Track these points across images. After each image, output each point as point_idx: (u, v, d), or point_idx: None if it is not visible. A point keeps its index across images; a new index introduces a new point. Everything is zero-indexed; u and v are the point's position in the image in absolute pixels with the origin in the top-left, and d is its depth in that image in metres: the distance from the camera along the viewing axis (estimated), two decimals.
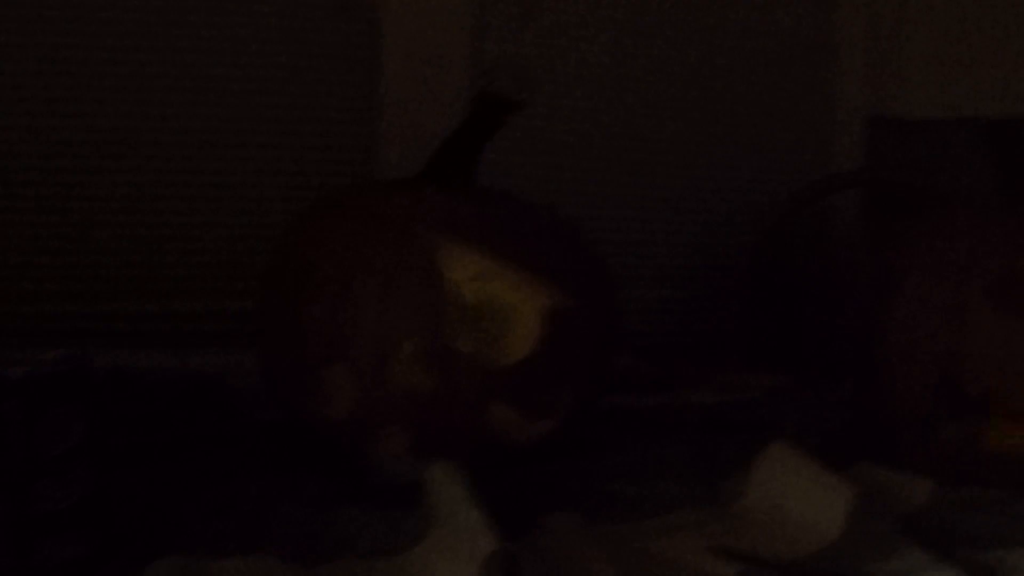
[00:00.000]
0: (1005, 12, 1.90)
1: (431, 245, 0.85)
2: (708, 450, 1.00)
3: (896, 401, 0.97)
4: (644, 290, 1.73)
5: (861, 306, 1.05)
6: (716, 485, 0.93)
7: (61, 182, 1.36)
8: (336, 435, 0.88)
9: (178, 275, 1.40)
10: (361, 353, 0.84)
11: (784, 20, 1.94)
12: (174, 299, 1.39)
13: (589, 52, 1.70)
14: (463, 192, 0.92)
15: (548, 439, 0.92)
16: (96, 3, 1.35)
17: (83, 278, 1.37)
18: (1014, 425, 0.90)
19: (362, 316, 0.84)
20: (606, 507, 0.87)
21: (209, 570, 0.71)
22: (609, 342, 0.95)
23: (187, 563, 0.70)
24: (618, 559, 0.77)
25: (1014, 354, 0.88)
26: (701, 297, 1.78)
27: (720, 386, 1.26)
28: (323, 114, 1.49)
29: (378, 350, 0.84)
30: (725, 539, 0.83)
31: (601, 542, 0.79)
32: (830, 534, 0.83)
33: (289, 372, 0.89)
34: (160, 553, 0.69)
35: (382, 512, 0.81)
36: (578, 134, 1.69)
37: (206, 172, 1.42)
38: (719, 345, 1.58)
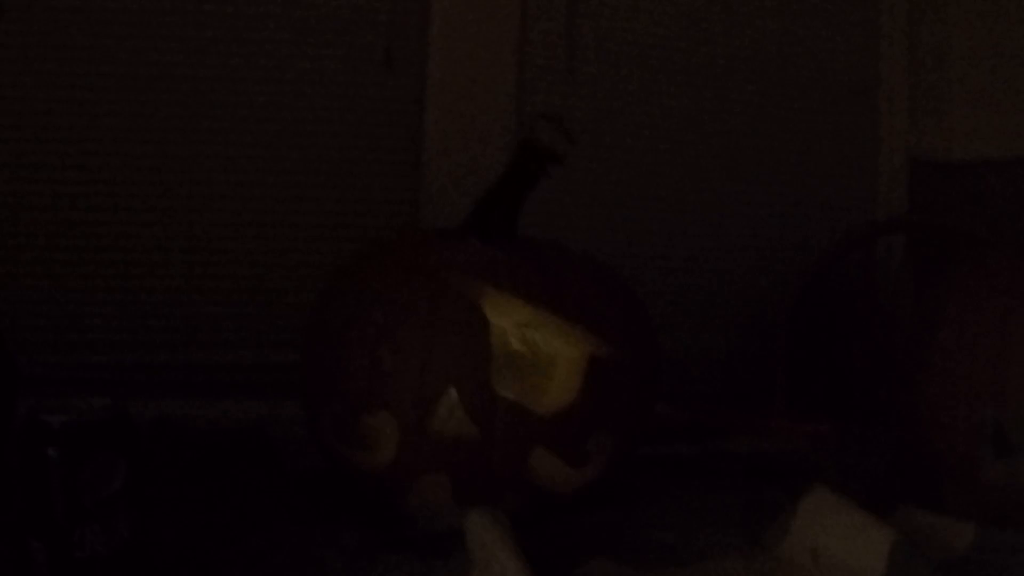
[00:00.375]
0: None
1: (475, 293, 0.87)
2: (749, 498, 1.00)
3: (939, 443, 0.97)
4: (687, 337, 1.73)
5: (905, 349, 1.05)
6: (757, 532, 0.93)
7: (110, 232, 1.39)
8: (377, 483, 0.90)
9: (223, 326, 1.42)
10: (404, 400, 0.85)
11: (828, 64, 1.94)
12: (218, 350, 1.42)
13: (633, 103, 1.71)
14: (505, 241, 0.93)
15: (589, 487, 0.92)
16: (164, 66, 1.39)
17: (128, 328, 1.40)
18: None
19: (406, 363, 0.85)
20: (645, 555, 0.87)
21: None
22: (650, 390, 0.96)
23: None
24: None
25: None
26: (745, 343, 1.77)
27: (762, 434, 1.26)
28: (369, 168, 1.51)
29: (421, 397, 0.85)
30: None
31: None
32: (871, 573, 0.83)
33: (332, 420, 0.90)
34: None
35: (421, 560, 0.82)
36: (622, 184, 1.71)
37: (254, 224, 1.44)
38: (762, 392, 1.57)
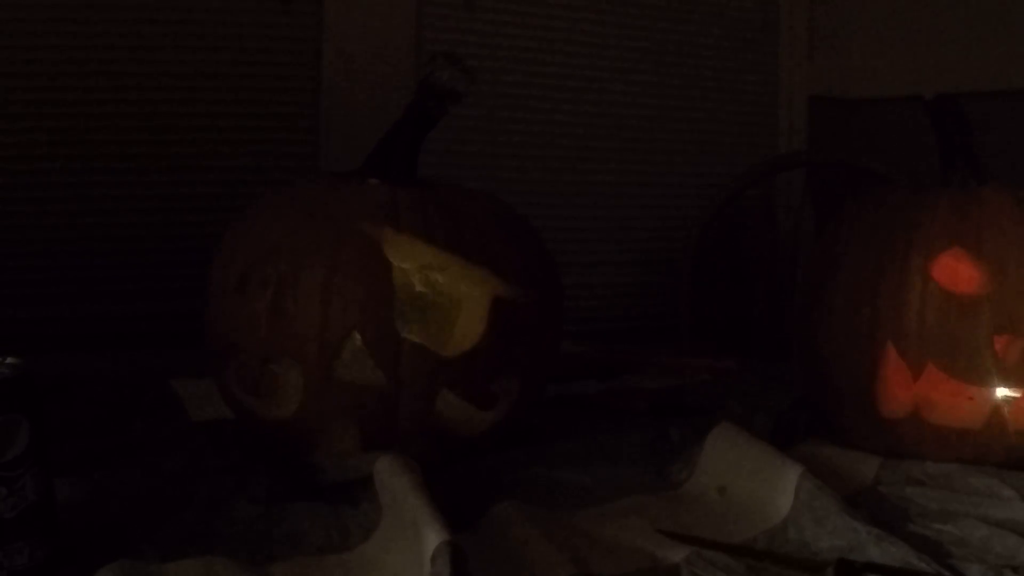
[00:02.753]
0: None
1: (376, 235, 0.85)
2: (656, 435, 1.01)
3: (840, 377, 0.99)
4: (591, 277, 1.75)
5: (805, 284, 1.06)
6: (664, 470, 0.94)
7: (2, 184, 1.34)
8: (285, 432, 0.88)
9: (121, 276, 1.39)
10: (308, 346, 0.84)
11: (729, 1, 1.95)
12: (117, 301, 1.38)
13: (532, 41, 1.70)
14: (406, 183, 0.92)
15: (497, 429, 0.92)
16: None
17: (20, 282, 1.35)
18: (955, 401, 0.92)
19: (308, 309, 0.83)
20: (556, 495, 0.87)
21: (161, 573, 0.70)
22: (556, 330, 0.96)
23: (137, 567, 0.70)
24: (566, 546, 0.78)
25: (949, 327, 0.90)
26: (649, 283, 1.79)
27: (667, 371, 1.27)
28: (268, 109, 1.48)
29: (325, 343, 0.83)
30: (674, 522, 0.84)
31: (551, 529, 0.80)
32: (778, 513, 0.84)
33: (236, 369, 0.88)
34: (109, 559, 0.69)
35: (332, 507, 0.80)
36: (522, 123, 1.70)
37: (151, 171, 1.40)
38: (668, 329, 1.59)
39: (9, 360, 0.68)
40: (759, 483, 0.88)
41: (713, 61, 1.93)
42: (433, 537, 0.70)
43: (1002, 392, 0.91)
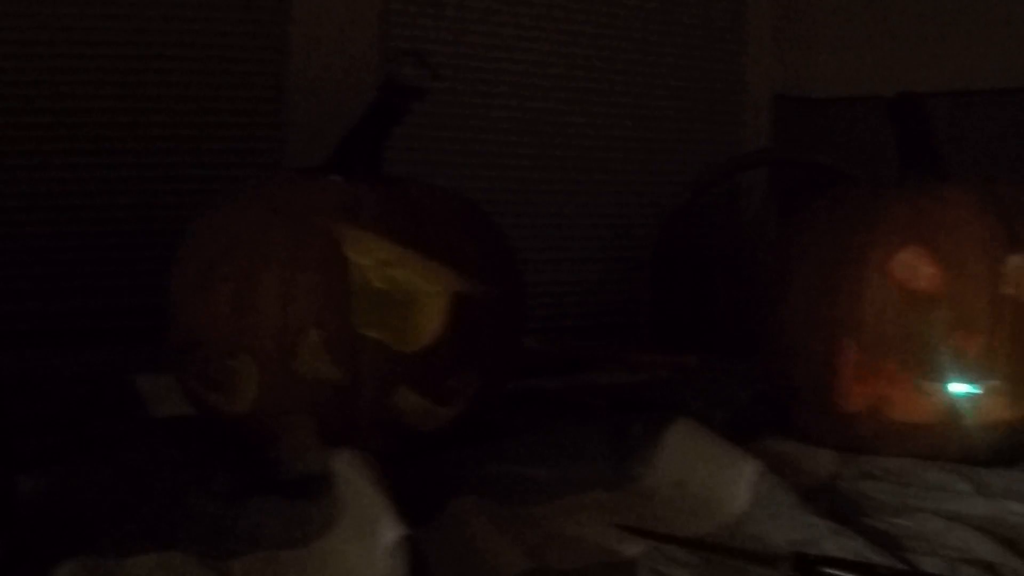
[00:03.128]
0: None
1: (336, 233, 0.85)
2: (616, 430, 1.01)
3: (799, 373, 1.00)
4: (554, 273, 1.75)
5: (766, 281, 1.07)
6: (623, 465, 0.94)
7: None
8: (244, 427, 0.88)
9: (81, 272, 1.38)
10: (266, 343, 0.83)
11: (693, 2, 1.96)
12: (76, 297, 1.37)
13: (498, 38, 1.70)
14: (368, 179, 0.92)
15: (456, 424, 0.92)
16: None
17: None
18: (912, 398, 0.93)
19: (267, 306, 0.83)
20: (515, 490, 0.87)
21: (120, 569, 0.70)
22: (516, 326, 0.96)
23: (96, 563, 0.70)
24: (524, 540, 0.78)
25: (907, 325, 0.91)
26: (613, 279, 1.80)
27: (629, 366, 1.28)
28: (233, 105, 1.48)
29: (283, 340, 0.83)
30: (632, 516, 0.85)
31: (508, 524, 0.80)
32: (735, 508, 0.85)
33: (196, 365, 0.88)
34: (69, 554, 0.69)
35: (291, 502, 0.81)
36: (487, 120, 1.70)
37: (110, 167, 1.40)
38: (629, 325, 1.59)
39: None
40: (717, 478, 0.88)
41: (679, 59, 1.94)
42: (391, 532, 0.70)
43: (961, 388, 0.93)
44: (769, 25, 2.07)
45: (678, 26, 1.93)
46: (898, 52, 1.95)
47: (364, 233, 0.85)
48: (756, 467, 0.86)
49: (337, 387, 0.84)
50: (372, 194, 0.89)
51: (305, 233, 0.85)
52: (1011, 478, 0.91)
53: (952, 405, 0.92)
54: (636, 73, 1.87)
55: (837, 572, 0.73)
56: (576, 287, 1.79)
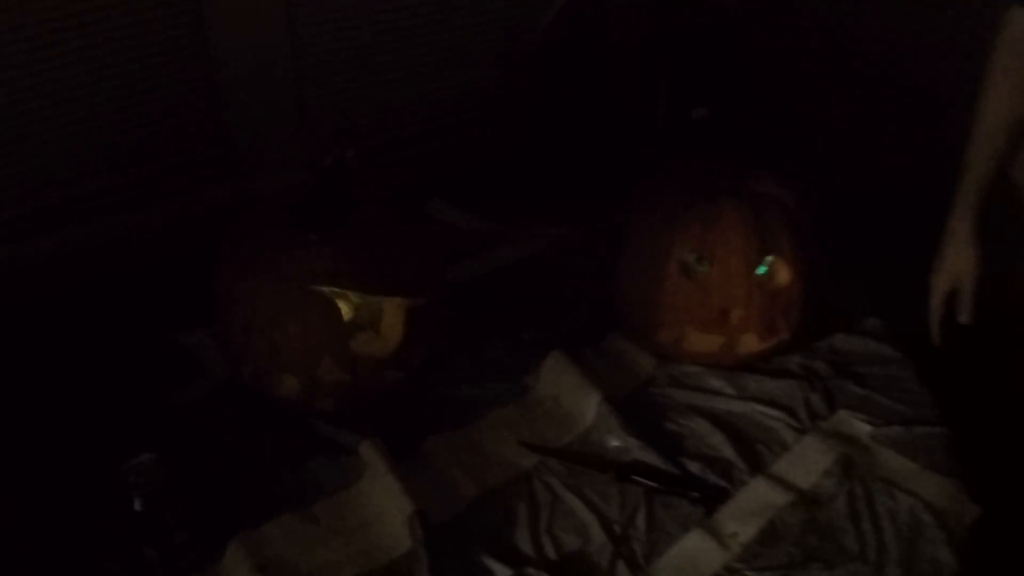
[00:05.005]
0: None
1: (328, 294, 1.32)
2: (512, 341, 1.56)
3: (630, 309, 1.53)
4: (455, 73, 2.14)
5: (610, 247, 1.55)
6: (521, 380, 1.50)
7: None
8: (291, 409, 1.42)
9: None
10: (297, 366, 1.35)
11: None
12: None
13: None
14: (336, 230, 1.36)
15: (416, 371, 1.46)
16: None
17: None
18: (702, 338, 1.47)
19: (294, 347, 1.33)
20: (459, 411, 1.44)
21: (263, 534, 1.24)
22: (444, 307, 1.47)
23: (246, 534, 1.23)
24: (466, 466, 1.36)
25: (692, 300, 1.43)
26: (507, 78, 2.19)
27: (516, 243, 1.78)
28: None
29: (307, 364, 1.35)
30: (527, 428, 1.41)
31: (460, 453, 1.37)
32: (586, 422, 1.42)
33: (251, 373, 1.38)
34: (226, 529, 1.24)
35: (334, 460, 1.36)
36: None
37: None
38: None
39: None
40: (576, 399, 1.45)
41: None
42: (406, 505, 1.26)
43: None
44: None
45: None
46: None
47: (344, 291, 1.32)
48: (598, 395, 1.42)
49: (345, 383, 1.37)
50: (345, 255, 1.34)
51: (309, 296, 1.32)
52: (761, 383, 1.49)
53: (725, 342, 1.46)
54: None
55: (639, 477, 1.32)
56: (476, 86, 2.19)
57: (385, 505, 1.28)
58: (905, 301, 1.50)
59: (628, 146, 2.05)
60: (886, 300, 1.65)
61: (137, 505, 1.13)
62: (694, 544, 1.24)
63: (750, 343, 1.45)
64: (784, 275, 1.40)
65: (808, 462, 1.35)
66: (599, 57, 2.12)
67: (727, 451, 1.36)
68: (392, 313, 1.36)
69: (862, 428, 1.41)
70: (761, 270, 1.40)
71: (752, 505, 1.29)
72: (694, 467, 1.34)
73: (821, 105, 2.17)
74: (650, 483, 1.31)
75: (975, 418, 1.51)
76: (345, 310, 1.33)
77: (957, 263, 1.43)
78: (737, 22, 2.13)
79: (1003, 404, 1.62)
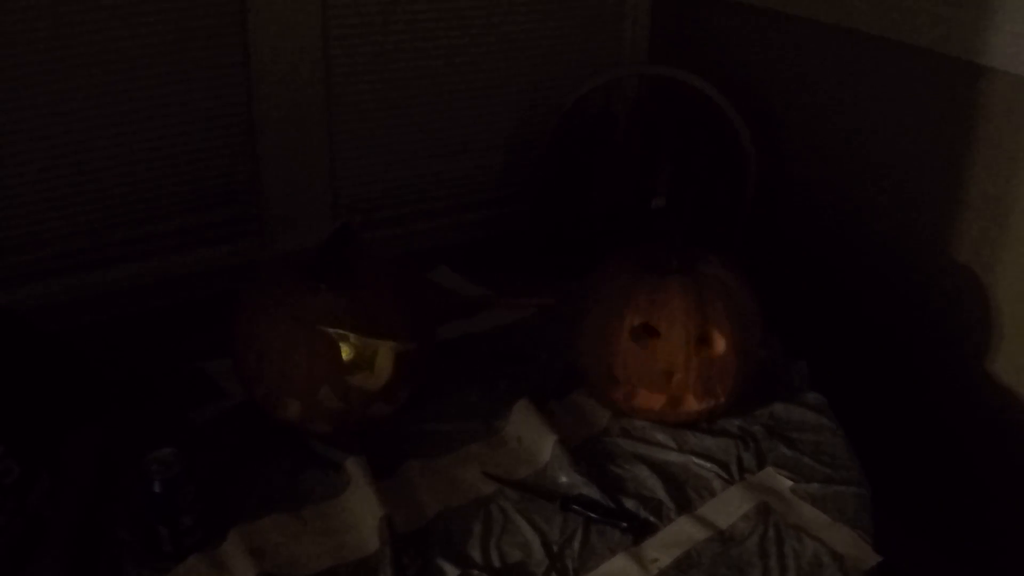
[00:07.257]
0: None
1: (332, 336, 1.57)
2: (489, 388, 1.79)
3: (589, 366, 1.75)
4: (468, 159, 2.41)
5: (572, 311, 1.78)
6: (492, 422, 1.73)
7: None
8: (293, 427, 1.66)
9: None
10: (301, 392, 1.60)
11: None
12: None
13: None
14: (342, 282, 1.61)
15: (401, 407, 1.70)
16: None
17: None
18: (649, 396, 1.69)
19: (299, 376, 1.58)
20: (433, 443, 1.67)
21: (260, 527, 1.48)
22: (430, 359, 1.72)
23: (243, 527, 1.47)
24: (435, 489, 1.58)
25: (641, 365, 1.66)
26: (515, 166, 2.44)
27: (503, 309, 2.03)
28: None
29: (310, 391, 1.59)
30: (492, 463, 1.64)
31: (430, 476, 1.60)
32: (542, 460, 1.64)
33: (262, 396, 1.63)
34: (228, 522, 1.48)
35: (324, 473, 1.60)
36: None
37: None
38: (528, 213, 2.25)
39: None
40: (537, 438, 1.67)
41: None
42: (378, 511, 1.48)
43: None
44: None
45: None
46: None
47: (345, 333, 1.57)
48: (554, 438, 1.65)
49: (339, 410, 1.61)
50: (347, 302, 1.59)
51: (315, 335, 1.57)
52: (701, 439, 1.70)
53: (671, 397, 1.68)
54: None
55: (579, 507, 1.53)
56: (485, 171, 2.47)
57: (362, 513, 1.52)
58: (848, 381, 1.66)
59: (624, 230, 2.30)
60: (831, 378, 1.87)
61: (156, 487, 1.38)
62: (619, 565, 1.45)
63: (690, 403, 1.68)
64: (720, 345, 1.64)
65: (730, 507, 1.56)
66: (606, 148, 2.38)
67: (660, 493, 1.58)
68: (384, 355, 1.61)
69: (784, 483, 1.61)
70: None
71: (674, 538, 1.50)
72: (630, 504, 1.56)
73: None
74: (588, 513, 1.52)
75: (903, 483, 1.67)
76: (345, 349, 1.58)
77: None
78: (747, 149, 2.32)
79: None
